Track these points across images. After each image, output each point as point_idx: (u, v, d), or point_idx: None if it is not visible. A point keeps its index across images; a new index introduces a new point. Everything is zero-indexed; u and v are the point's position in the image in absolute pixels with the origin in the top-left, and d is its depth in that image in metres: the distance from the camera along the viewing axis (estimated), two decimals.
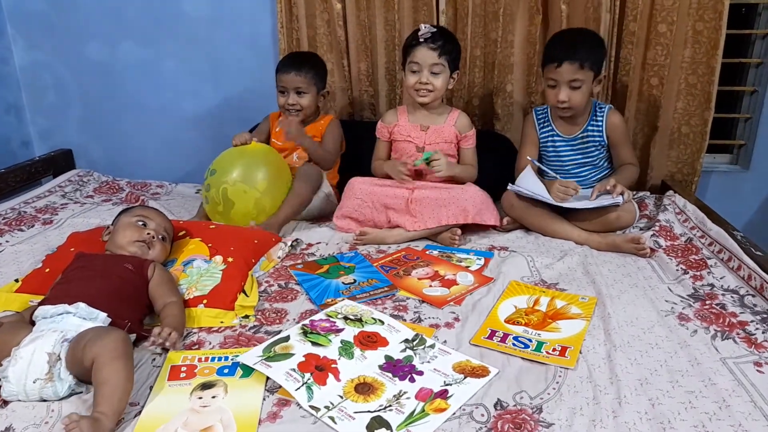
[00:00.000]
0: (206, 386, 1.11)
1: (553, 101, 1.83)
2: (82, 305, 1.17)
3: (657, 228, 1.80)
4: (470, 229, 1.87)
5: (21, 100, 2.56)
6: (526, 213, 1.84)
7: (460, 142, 1.95)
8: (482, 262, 1.65)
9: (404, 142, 1.95)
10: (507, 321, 1.33)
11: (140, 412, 1.04)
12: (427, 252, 1.74)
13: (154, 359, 1.20)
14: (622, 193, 1.73)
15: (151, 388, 1.11)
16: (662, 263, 1.62)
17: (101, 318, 1.18)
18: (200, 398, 1.08)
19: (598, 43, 1.85)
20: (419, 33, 1.85)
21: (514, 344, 1.24)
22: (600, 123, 1.88)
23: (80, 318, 1.16)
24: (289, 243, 1.74)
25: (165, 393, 1.09)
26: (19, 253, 1.69)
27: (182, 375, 1.14)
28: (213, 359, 1.19)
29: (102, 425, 0.96)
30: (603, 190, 1.77)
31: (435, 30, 1.85)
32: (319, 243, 1.81)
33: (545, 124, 1.95)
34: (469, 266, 1.62)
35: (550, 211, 1.82)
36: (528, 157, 1.92)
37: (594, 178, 1.94)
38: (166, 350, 1.21)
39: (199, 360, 1.19)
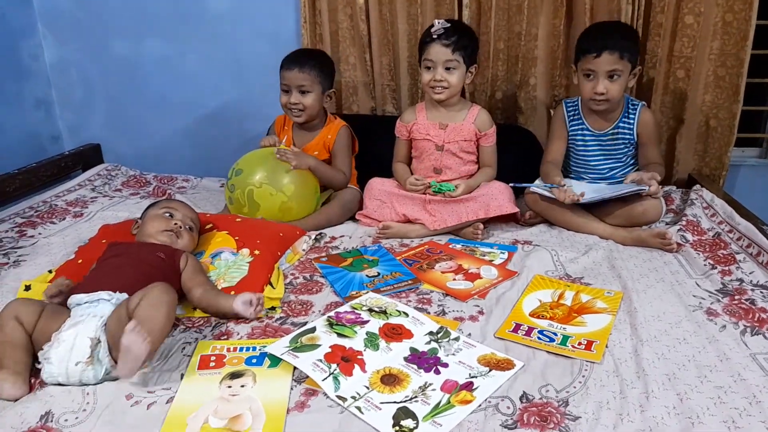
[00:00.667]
0: (235, 375, 1.13)
1: (589, 93, 1.78)
2: (116, 293, 1.19)
3: (684, 223, 1.78)
4: (493, 222, 1.87)
5: (51, 95, 2.62)
6: (550, 207, 1.83)
7: (479, 140, 1.94)
8: (506, 256, 1.65)
9: (423, 141, 1.94)
10: (532, 315, 1.33)
11: (173, 398, 1.07)
12: (450, 246, 1.74)
13: (184, 348, 1.23)
14: (654, 186, 1.70)
15: (182, 376, 1.13)
16: (689, 258, 1.60)
17: None
18: (229, 387, 1.10)
19: (635, 36, 1.82)
20: (432, 29, 1.83)
21: (539, 338, 1.24)
22: (632, 120, 1.85)
23: (114, 305, 1.19)
24: (313, 236, 1.76)
25: (195, 381, 1.12)
26: (51, 245, 1.74)
27: (211, 364, 1.17)
28: (241, 349, 1.21)
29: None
30: (636, 180, 1.74)
31: (449, 25, 1.82)
32: (343, 236, 1.83)
33: (575, 118, 1.92)
34: (492, 260, 1.62)
35: (575, 206, 1.80)
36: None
37: (618, 176, 1.91)
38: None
39: (228, 350, 1.21)
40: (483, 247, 1.71)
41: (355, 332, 1.24)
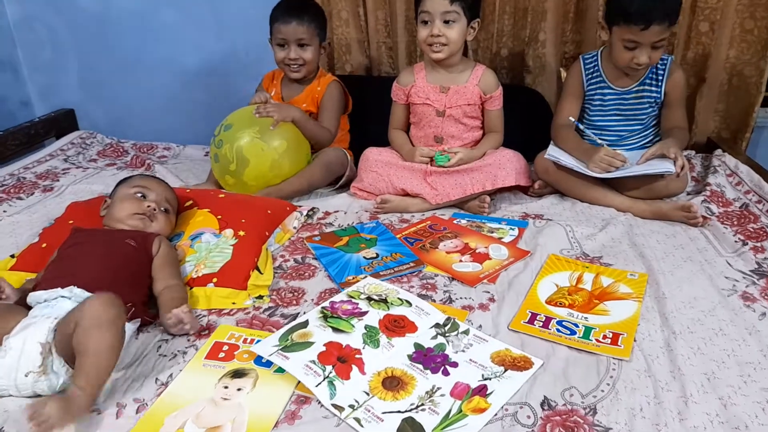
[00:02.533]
0: (237, 374, 1.01)
1: (627, 62, 1.59)
2: (76, 290, 1.05)
3: (708, 193, 1.64)
4: (499, 193, 1.72)
5: (16, 56, 2.41)
6: (563, 178, 1.68)
7: (484, 103, 1.76)
8: (516, 232, 1.50)
9: (423, 106, 1.77)
10: (549, 302, 1.20)
11: (146, 406, 0.94)
12: (455, 221, 1.59)
13: (160, 346, 1.10)
14: (681, 167, 1.53)
15: (169, 377, 1.01)
16: (717, 233, 1.47)
17: None
18: (225, 387, 0.98)
19: None
20: None
21: (558, 330, 1.11)
22: (660, 78, 1.66)
23: (75, 302, 1.04)
24: (305, 212, 1.61)
25: (196, 372, 1.02)
26: (16, 225, 1.58)
27: (221, 355, 1.06)
28: (258, 341, 1.08)
29: (76, 404, 0.86)
30: (657, 155, 1.58)
31: None
32: (338, 212, 1.68)
33: (594, 74, 1.73)
34: (501, 237, 1.48)
35: (589, 177, 1.65)
36: (570, 118, 1.72)
37: (639, 140, 1.74)
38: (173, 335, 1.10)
39: (245, 341, 1.09)
40: (490, 223, 1.57)
41: (353, 326, 1.11)
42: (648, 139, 1.76)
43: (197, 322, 1.13)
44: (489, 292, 1.25)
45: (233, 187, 1.68)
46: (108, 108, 2.47)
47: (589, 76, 1.73)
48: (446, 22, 1.63)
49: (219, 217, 1.41)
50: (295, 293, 1.26)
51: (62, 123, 2.36)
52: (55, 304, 1.03)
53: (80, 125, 2.44)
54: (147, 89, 2.42)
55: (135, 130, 2.41)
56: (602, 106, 1.74)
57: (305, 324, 1.12)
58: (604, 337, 1.08)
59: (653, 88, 1.68)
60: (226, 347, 1.07)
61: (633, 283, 1.25)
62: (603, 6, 1.91)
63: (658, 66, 1.65)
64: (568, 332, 1.10)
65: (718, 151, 1.89)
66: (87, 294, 1.05)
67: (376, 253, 1.41)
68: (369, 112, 2.07)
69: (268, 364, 1.02)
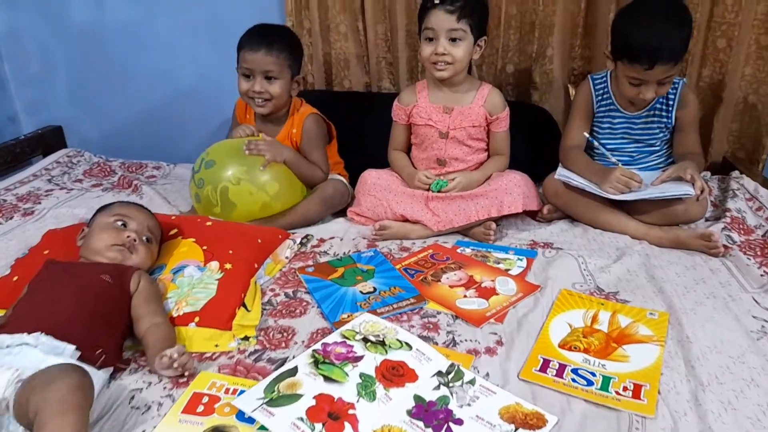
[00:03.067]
0: None
1: (632, 96, 1.52)
2: (43, 337, 0.95)
3: (728, 219, 1.54)
4: (505, 217, 1.62)
5: (3, 70, 2.32)
6: (574, 201, 1.58)
7: (490, 125, 1.66)
8: (524, 263, 1.40)
9: (425, 127, 1.67)
10: (562, 346, 1.10)
11: None
12: (459, 250, 1.49)
13: (132, 397, 0.99)
14: (701, 190, 1.44)
15: None
16: (740, 265, 1.36)
17: (68, 351, 0.96)
18: None
19: (690, 22, 1.47)
20: None
21: (574, 380, 1.00)
22: (671, 101, 1.57)
23: (42, 352, 0.94)
24: (298, 240, 1.51)
25: (171, 429, 0.91)
26: None
27: (200, 409, 0.95)
28: (241, 392, 0.97)
29: None
30: (673, 177, 1.48)
31: None
32: (333, 238, 1.58)
33: (604, 96, 1.64)
34: (509, 269, 1.38)
35: (602, 200, 1.55)
36: (585, 134, 1.63)
37: (651, 164, 1.64)
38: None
39: (227, 391, 0.99)
40: (497, 252, 1.47)
41: (346, 375, 1.00)
42: (661, 160, 1.66)
43: (193, 363, 1.04)
44: (496, 334, 1.14)
45: None
46: (98, 124, 2.38)
47: (599, 98, 1.64)
48: (452, 39, 1.54)
49: (204, 247, 1.31)
50: (285, 333, 1.16)
51: (49, 140, 2.27)
52: (19, 352, 0.94)
53: (69, 142, 2.35)
54: (140, 104, 2.34)
55: (126, 146, 2.33)
56: (612, 129, 1.64)
57: (294, 371, 1.02)
58: (625, 389, 0.98)
59: (663, 113, 1.59)
60: (205, 399, 0.97)
61: (653, 324, 1.15)
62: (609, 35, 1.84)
63: (669, 91, 1.56)
64: (585, 382, 1.00)
65: (736, 173, 1.80)
66: (55, 343, 0.95)
67: (374, 287, 1.31)
68: (368, 130, 1.98)
69: (252, 420, 0.92)
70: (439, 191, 1.58)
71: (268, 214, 1.55)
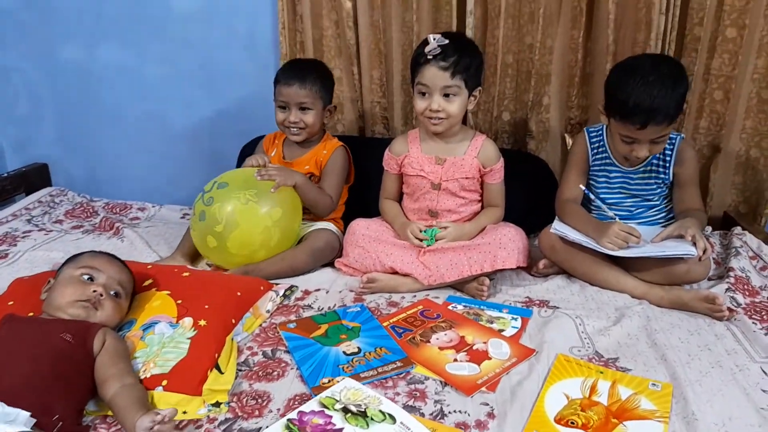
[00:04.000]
0: None
1: (626, 153, 1.48)
2: None
3: (732, 279, 1.47)
4: (499, 270, 1.55)
5: None
6: (571, 257, 1.51)
7: (483, 177, 1.62)
8: (519, 323, 1.33)
9: (417, 177, 1.62)
10: (558, 420, 1.01)
11: None
12: (450, 307, 1.42)
13: None
14: (704, 250, 1.38)
15: None
16: (746, 330, 1.29)
17: (21, 419, 0.88)
18: None
19: (685, 82, 1.43)
20: (426, 48, 1.49)
21: None
22: (668, 158, 1.53)
23: None
24: (281, 292, 1.43)
25: None
26: None
27: None
28: None
29: None
30: (675, 235, 1.43)
31: (446, 42, 1.48)
32: (319, 290, 1.50)
33: (600, 150, 1.59)
34: (502, 330, 1.30)
35: (600, 255, 1.49)
36: (581, 187, 1.58)
37: (650, 219, 1.59)
38: None
39: None
40: (490, 310, 1.39)
41: None
42: (661, 215, 1.61)
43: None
44: (488, 404, 1.06)
45: (212, 252, 1.52)
46: (85, 163, 2.33)
47: (594, 151, 1.60)
48: (446, 95, 1.50)
49: (179, 301, 1.24)
50: (259, 400, 1.08)
51: (33, 178, 2.22)
52: None
53: (54, 181, 2.30)
54: (129, 145, 2.29)
55: (112, 187, 2.28)
56: (608, 183, 1.60)
57: None
58: None
59: (661, 170, 1.54)
60: None
61: (656, 397, 1.07)
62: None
63: (666, 146, 1.51)
64: None
65: (738, 229, 1.74)
66: (7, 410, 0.87)
67: (358, 348, 1.23)
68: (360, 175, 1.93)
69: None
70: (430, 245, 1.52)
71: (265, 241, 1.53)
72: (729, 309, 1.35)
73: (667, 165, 1.53)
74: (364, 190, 1.89)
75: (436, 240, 1.53)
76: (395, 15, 1.96)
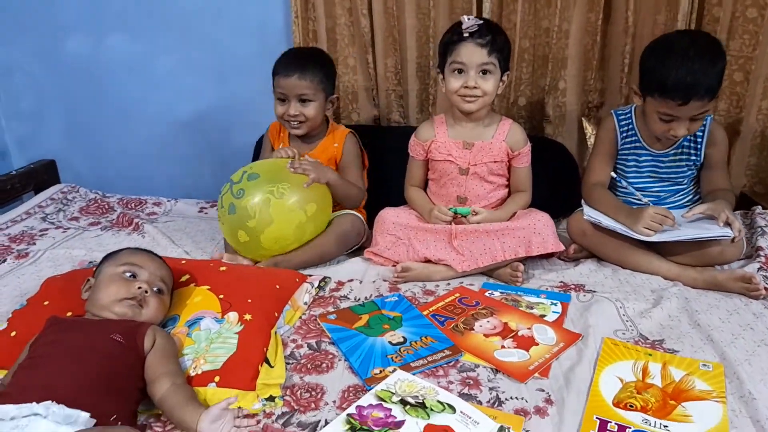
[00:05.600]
0: None
1: (662, 133, 1.46)
2: (54, 406, 0.85)
3: (762, 259, 1.47)
4: (530, 257, 1.55)
5: None
6: (603, 242, 1.52)
7: (511, 160, 1.61)
8: (559, 308, 1.33)
9: (444, 162, 1.61)
10: (616, 404, 1.01)
11: None
12: (487, 293, 1.41)
13: None
14: (739, 231, 1.38)
15: None
16: None
17: (82, 419, 0.86)
18: None
19: (724, 56, 1.41)
20: (463, 26, 1.50)
21: None
22: (700, 139, 1.52)
23: (53, 422, 0.84)
24: (315, 284, 1.42)
25: None
26: None
27: None
28: None
29: None
30: (706, 215, 1.43)
31: (482, 22, 1.51)
32: (352, 281, 1.49)
33: (629, 133, 1.58)
34: (544, 315, 1.30)
35: (632, 240, 1.49)
36: (613, 174, 1.57)
37: (678, 203, 1.59)
38: None
39: None
40: (528, 296, 1.39)
41: None
42: (688, 198, 1.61)
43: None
44: (543, 390, 1.06)
45: (243, 245, 1.48)
46: (94, 159, 2.29)
47: (624, 135, 1.59)
48: (483, 72, 1.49)
49: (221, 296, 1.22)
50: (313, 392, 1.06)
51: (42, 175, 2.17)
52: (27, 424, 0.83)
53: (62, 178, 2.25)
54: (138, 139, 2.25)
55: (122, 182, 2.23)
56: (637, 167, 1.59)
57: None
58: None
59: (692, 151, 1.54)
60: None
61: (709, 377, 1.07)
62: (632, 71, 1.82)
63: None
64: None
65: (759, 209, 1.75)
66: (67, 411, 0.85)
67: (404, 337, 1.22)
68: (377, 164, 1.91)
69: None
70: (463, 215, 1.52)
71: (298, 237, 1.50)
72: (765, 288, 1.36)
73: (699, 146, 1.53)
74: (383, 179, 1.87)
75: (470, 216, 1.52)
76: (409, 1, 1.94)
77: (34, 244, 1.69)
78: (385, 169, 1.89)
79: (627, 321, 1.27)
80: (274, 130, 1.80)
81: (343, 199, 1.64)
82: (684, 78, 1.34)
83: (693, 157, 1.54)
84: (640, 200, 1.55)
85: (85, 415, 0.86)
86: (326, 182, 1.56)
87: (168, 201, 2.06)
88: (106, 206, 1.97)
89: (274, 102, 1.67)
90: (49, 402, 0.85)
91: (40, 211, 1.92)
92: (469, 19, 1.50)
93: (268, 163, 1.58)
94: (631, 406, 1.01)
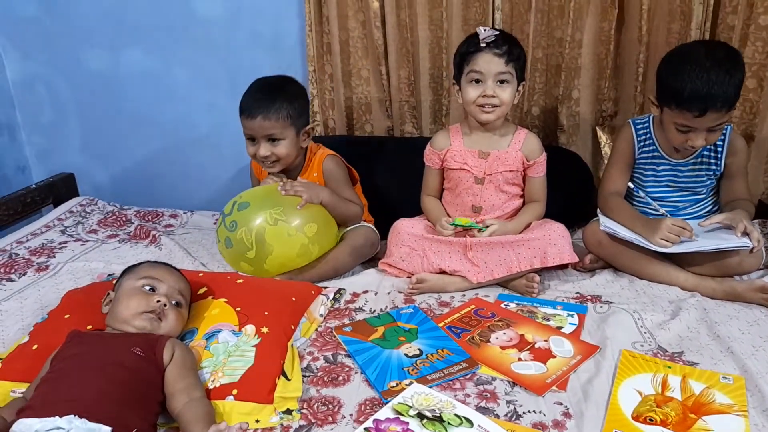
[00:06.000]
0: None
1: (680, 144, 1.45)
2: (76, 420, 0.86)
3: None
4: (545, 268, 1.54)
5: (14, 118, 2.27)
6: (619, 252, 1.51)
7: (527, 170, 1.61)
8: (576, 320, 1.32)
9: (460, 171, 1.61)
10: (636, 418, 1.01)
11: None
12: (502, 305, 1.41)
13: None
14: (758, 241, 1.37)
15: None
16: None
17: None
18: None
19: (743, 67, 1.40)
20: (481, 37, 1.51)
21: None
22: (720, 148, 1.51)
23: None
24: (331, 296, 1.42)
25: None
26: (5, 314, 1.39)
27: None
28: None
29: None
30: (724, 225, 1.42)
31: (498, 32, 1.53)
32: (367, 292, 1.49)
33: (647, 142, 1.57)
34: (560, 327, 1.30)
35: (649, 250, 1.47)
36: (630, 184, 1.57)
37: (696, 213, 1.57)
38: None
39: None
40: (543, 307, 1.38)
41: None
42: (707, 208, 1.59)
43: None
44: (562, 404, 1.05)
45: (252, 273, 1.47)
46: (111, 171, 2.33)
47: (642, 144, 1.57)
48: (500, 82, 1.50)
49: (238, 309, 1.23)
50: (330, 406, 1.07)
51: (60, 189, 2.20)
52: None
53: (81, 190, 2.28)
54: (154, 152, 2.29)
55: (139, 194, 2.27)
56: (655, 177, 1.57)
57: None
58: None
59: (712, 161, 1.52)
60: None
61: (730, 390, 1.06)
62: (646, 79, 1.81)
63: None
64: None
65: None
66: (90, 425, 0.86)
67: (420, 350, 1.22)
68: (391, 175, 1.92)
69: None
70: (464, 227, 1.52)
71: (305, 261, 1.48)
72: None
73: (719, 155, 1.51)
74: (396, 191, 1.88)
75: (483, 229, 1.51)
76: (422, 13, 1.95)
77: (54, 257, 1.71)
78: (398, 180, 1.90)
79: (645, 333, 1.26)
80: (257, 166, 1.73)
81: (342, 218, 1.59)
82: (700, 89, 1.33)
83: (713, 167, 1.53)
84: (657, 210, 1.53)
85: (107, 429, 0.87)
86: (320, 202, 1.52)
87: (184, 213, 2.08)
88: (124, 218, 2.00)
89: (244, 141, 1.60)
90: (72, 416, 0.86)
91: (60, 224, 1.95)
92: (485, 30, 1.51)
93: (258, 190, 1.53)
94: (650, 420, 1.00)
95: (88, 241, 1.83)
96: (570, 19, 1.86)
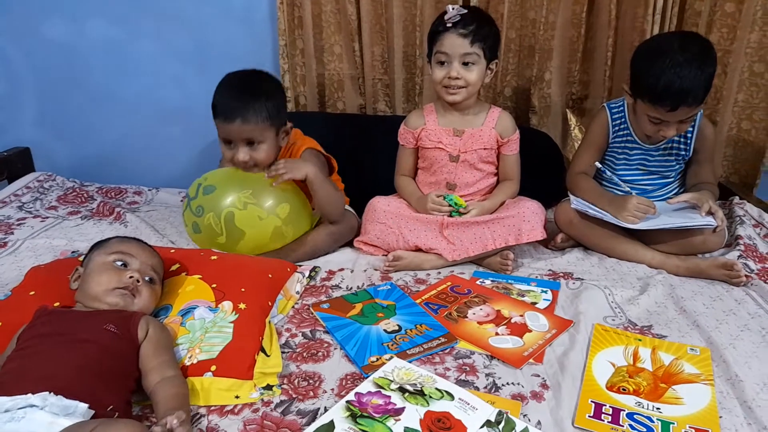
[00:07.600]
0: None
1: (652, 133, 1.48)
2: (51, 397, 0.82)
3: (741, 247, 1.52)
4: (518, 246, 1.56)
5: None
6: (589, 231, 1.54)
7: (501, 148, 1.62)
8: (549, 296, 1.35)
9: (435, 150, 1.61)
10: (610, 387, 1.04)
11: None
12: (478, 282, 1.42)
13: None
14: (722, 220, 1.43)
15: None
16: (763, 294, 1.34)
17: (80, 410, 0.84)
18: None
19: (714, 59, 1.40)
20: (446, 16, 1.49)
21: (632, 426, 0.94)
22: (689, 134, 1.55)
23: (51, 413, 0.82)
24: (306, 273, 1.41)
25: None
26: None
27: None
28: None
29: None
30: (690, 203, 1.47)
31: (465, 11, 1.50)
32: (342, 270, 1.48)
33: (622, 127, 1.59)
34: (535, 302, 1.32)
35: (618, 229, 1.52)
36: (597, 164, 1.60)
37: (664, 195, 1.62)
38: None
39: None
40: (518, 284, 1.41)
41: (390, 430, 0.91)
42: (674, 191, 1.64)
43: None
44: (539, 376, 1.07)
45: None
46: (70, 147, 2.22)
47: (616, 128, 1.60)
48: (465, 63, 1.49)
49: (214, 285, 1.20)
50: (311, 381, 1.06)
51: (16, 164, 2.10)
52: (24, 416, 0.81)
53: (36, 166, 2.18)
54: (117, 127, 2.20)
55: (100, 171, 2.18)
56: (627, 160, 1.61)
57: (331, 427, 0.92)
58: None
59: (681, 147, 1.57)
60: None
61: (696, 361, 1.11)
62: (614, 64, 1.85)
63: None
64: (645, 429, 0.94)
65: (737, 199, 1.80)
66: (66, 402, 0.83)
67: (398, 326, 1.22)
68: (363, 153, 1.91)
69: None
70: (456, 209, 1.52)
71: (280, 243, 1.44)
72: (745, 275, 1.40)
73: (689, 142, 1.55)
74: (370, 169, 1.86)
75: (460, 214, 1.52)
76: None
77: (12, 233, 1.64)
78: (372, 158, 1.88)
79: (615, 308, 1.30)
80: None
81: (323, 202, 1.50)
82: (672, 85, 1.34)
83: (682, 152, 1.57)
84: (624, 190, 1.57)
85: (84, 406, 0.84)
86: (304, 177, 1.43)
87: (149, 190, 2.02)
88: (85, 195, 1.92)
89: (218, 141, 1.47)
90: (47, 393, 0.82)
91: (16, 199, 1.86)
92: (453, 8, 1.49)
93: (223, 172, 1.44)
94: (623, 389, 1.03)
95: (48, 217, 1.76)
96: (544, 0, 1.87)
